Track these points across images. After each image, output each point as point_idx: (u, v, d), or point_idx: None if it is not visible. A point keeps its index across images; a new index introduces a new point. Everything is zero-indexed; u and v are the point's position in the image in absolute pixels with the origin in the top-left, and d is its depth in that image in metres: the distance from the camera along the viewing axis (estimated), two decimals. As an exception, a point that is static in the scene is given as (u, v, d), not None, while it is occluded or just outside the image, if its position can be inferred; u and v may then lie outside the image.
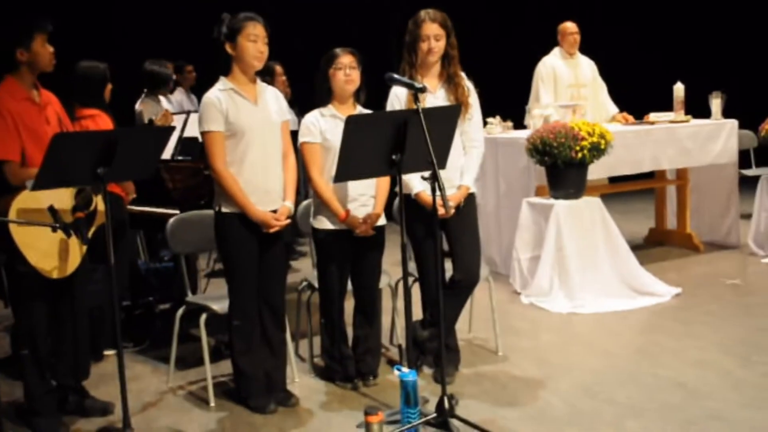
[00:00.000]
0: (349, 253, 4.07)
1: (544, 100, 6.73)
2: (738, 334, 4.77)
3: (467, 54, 4.28)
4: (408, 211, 3.99)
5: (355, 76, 4.01)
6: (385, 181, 4.11)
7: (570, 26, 6.90)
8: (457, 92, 4.08)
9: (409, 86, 3.62)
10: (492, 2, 9.65)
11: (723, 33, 10.68)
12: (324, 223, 4.06)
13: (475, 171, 4.14)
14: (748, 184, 7.57)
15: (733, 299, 5.49)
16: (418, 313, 4.28)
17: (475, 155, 4.14)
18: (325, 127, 4.00)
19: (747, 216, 7.06)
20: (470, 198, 4.14)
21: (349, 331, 4.23)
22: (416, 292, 4.14)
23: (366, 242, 4.06)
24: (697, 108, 6.97)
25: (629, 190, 7.07)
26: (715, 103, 6.88)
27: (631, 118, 6.80)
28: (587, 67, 7.01)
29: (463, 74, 4.15)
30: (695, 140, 6.60)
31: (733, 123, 6.82)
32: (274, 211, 3.80)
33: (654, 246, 7.17)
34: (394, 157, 3.47)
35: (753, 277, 6.05)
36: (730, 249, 6.90)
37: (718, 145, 6.72)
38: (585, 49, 7.05)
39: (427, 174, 3.44)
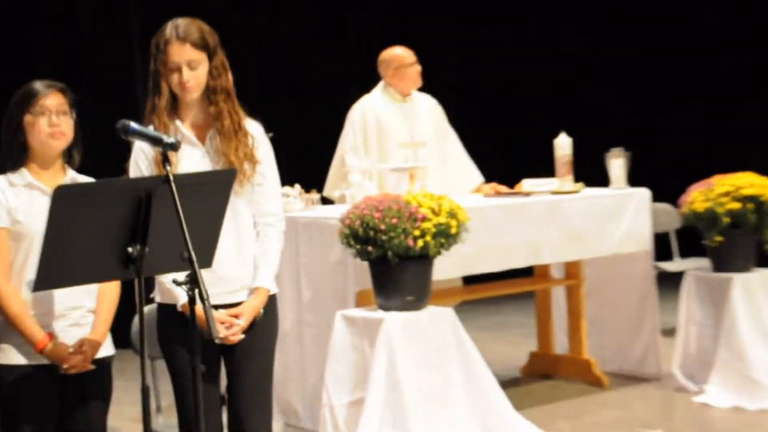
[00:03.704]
0: (54, 401, 4.02)
1: (350, 162, 6.86)
2: None
3: (249, 82, 4.31)
4: (166, 330, 4.06)
5: (66, 126, 4.09)
6: (112, 288, 4.14)
7: (406, 55, 7.03)
8: (234, 144, 4.13)
9: (154, 141, 3.67)
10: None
11: (626, 67, 11.36)
12: (11, 356, 4.02)
13: (276, 262, 4.25)
14: (668, 284, 7.93)
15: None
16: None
17: (273, 237, 4.25)
18: (16, 202, 4.04)
19: (669, 332, 7.39)
20: (270, 305, 4.20)
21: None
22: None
23: (81, 385, 4.02)
24: (590, 172, 7.31)
25: (497, 295, 7.24)
26: (616, 165, 7.20)
27: (503, 188, 7.03)
28: (429, 114, 7.22)
29: (244, 115, 4.22)
30: (589, 219, 6.88)
31: (644, 194, 7.16)
32: None
33: (537, 379, 7.38)
34: (130, 249, 3.50)
35: (682, 424, 6.34)
36: (647, 382, 7.17)
37: (623, 227, 7.03)
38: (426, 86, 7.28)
39: (182, 276, 3.47)
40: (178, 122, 4.13)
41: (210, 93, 4.15)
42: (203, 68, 4.12)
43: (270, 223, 4.25)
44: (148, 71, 4.16)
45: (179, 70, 4.09)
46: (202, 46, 4.10)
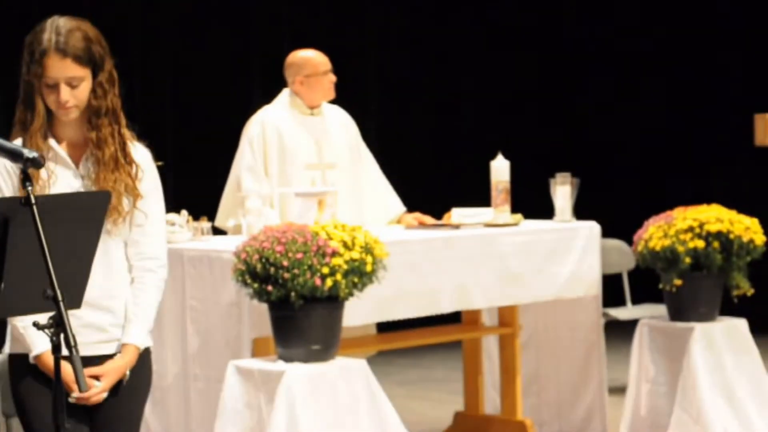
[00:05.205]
0: None
1: (247, 186, 6.83)
2: None
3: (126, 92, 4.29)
4: (20, 386, 4.04)
5: None
6: None
7: (320, 61, 7.02)
8: (114, 175, 4.11)
9: (12, 155, 3.58)
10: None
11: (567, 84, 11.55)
12: None
13: (151, 316, 4.23)
14: (618, 334, 8.02)
15: None
16: None
17: (151, 286, 4.22)
18: None
19: (618, 390, 7.49)
20: (142, 362, 4.19)
21: None
22: None
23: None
24: (531, 201, 7.41)
25: (419, 344, 7.27)
26: (561, 193, 7.27)
27: (428, 219, 7.08)
28: (341, 130, 7.23)
29: (131, 137, 4.20)
30: (529, 258, 6.94)
31: (593, 228, 7.26)
32: None
33: (463, 445, 7.39)
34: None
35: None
36: (591, 447, 7.24)
37: (568, 267, 7.11)
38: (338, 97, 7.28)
39: (44, 320, 3.42)
40: (51, 141, 4.09)
41: (92, 115, 4.12)
42: (86, 85, 4.08)
43: (150, 268, 4.21)
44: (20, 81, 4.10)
45: (57, 87, 4.05)
46: (87, 60, 4.06)
